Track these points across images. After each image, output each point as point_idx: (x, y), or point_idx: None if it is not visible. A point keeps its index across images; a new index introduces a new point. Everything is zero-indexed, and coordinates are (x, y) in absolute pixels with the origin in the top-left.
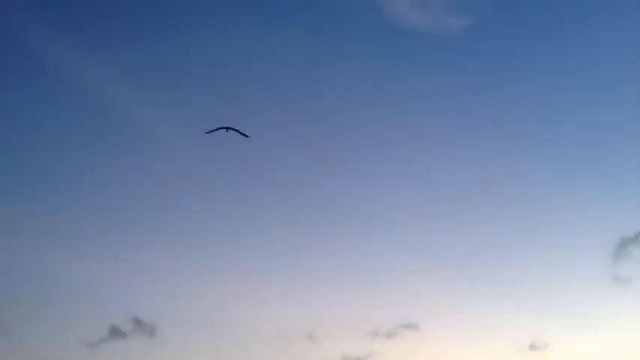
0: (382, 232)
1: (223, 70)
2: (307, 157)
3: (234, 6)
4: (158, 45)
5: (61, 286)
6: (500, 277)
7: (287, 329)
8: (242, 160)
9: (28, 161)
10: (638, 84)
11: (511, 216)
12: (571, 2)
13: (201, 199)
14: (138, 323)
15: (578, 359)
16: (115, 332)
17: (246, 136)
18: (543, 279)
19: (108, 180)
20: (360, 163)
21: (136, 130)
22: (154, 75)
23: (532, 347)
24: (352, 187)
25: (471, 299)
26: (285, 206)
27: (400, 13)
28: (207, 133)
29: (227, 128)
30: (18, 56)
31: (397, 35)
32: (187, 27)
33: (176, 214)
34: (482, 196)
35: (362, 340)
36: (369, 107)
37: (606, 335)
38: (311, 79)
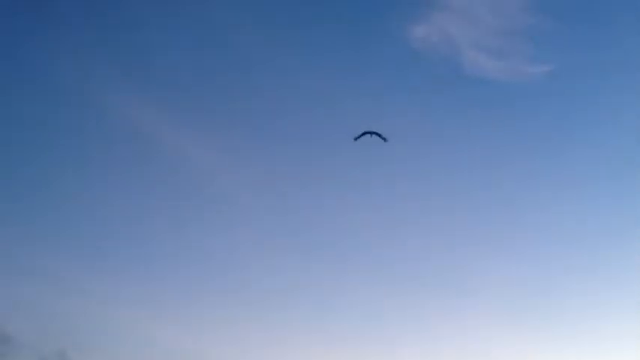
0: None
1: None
2: (392, 220)
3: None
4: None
5: (128, 344)
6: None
7: None
8: (331, 224)
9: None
10: None
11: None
12: None
13: (287, 263)
14: None
15: None
16: None
17: (386, 140)
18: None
19: (187, 244)
20: (442, 223)
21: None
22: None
23: None
24: (442, 252)
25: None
26: (375, 273)
27: (478, 64)
28: (355, 139)
29: (370, 133)
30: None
31: (475, 86)
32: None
33: (255, 277)
34: (568, 253)
35: None
36: (451, 157)
37: None
38: (392, 128)
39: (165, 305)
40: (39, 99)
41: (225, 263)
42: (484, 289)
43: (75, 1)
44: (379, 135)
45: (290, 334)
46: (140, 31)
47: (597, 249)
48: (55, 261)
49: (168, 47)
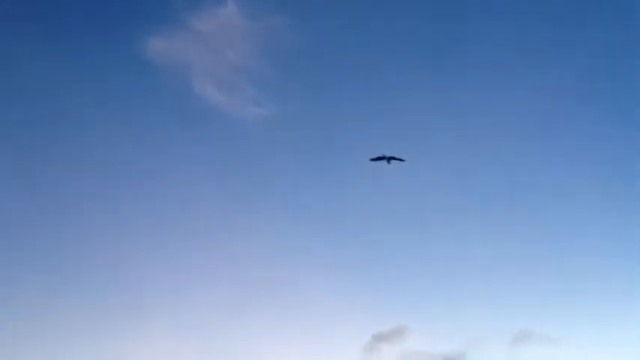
0: None
1: None
2: None
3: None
4: None
5: None
6: None
7: None
8: None
9: None
10: None
11: None
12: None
13: None
14: None
15: None
16: None
17: (403, 160)
18: None
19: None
20: None
21: None
22: None
23: None
24: None
25: None
26: None
27: (205, 91)
28: (372, 160)
29: (387, 158)
30: None
31: (198, 110)
32: None
33: None
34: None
35: None
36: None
37: None
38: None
39: None
40: None
41: None
42: None
43: None
44: (395, 158)
45: None
46: None
47: None
48: None
49: None
